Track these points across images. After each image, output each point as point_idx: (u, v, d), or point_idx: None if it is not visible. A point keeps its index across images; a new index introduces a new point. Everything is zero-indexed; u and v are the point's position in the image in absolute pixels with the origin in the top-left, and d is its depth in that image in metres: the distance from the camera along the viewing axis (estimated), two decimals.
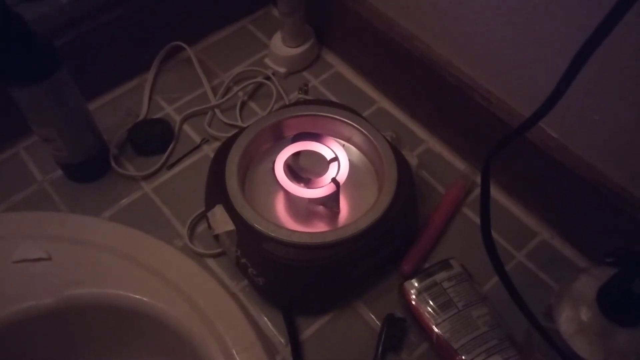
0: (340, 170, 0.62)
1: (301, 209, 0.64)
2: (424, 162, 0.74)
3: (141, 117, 0.78)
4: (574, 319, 0.48)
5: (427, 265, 0.66)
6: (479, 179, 0.69)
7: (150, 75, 0.82)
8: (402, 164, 0.63)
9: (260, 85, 0.82)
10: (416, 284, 0.62)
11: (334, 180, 0.61)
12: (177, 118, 0.78)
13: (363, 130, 0.66)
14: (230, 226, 0.59)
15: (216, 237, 0.65)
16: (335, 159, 0.62)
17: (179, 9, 0.81)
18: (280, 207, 0.64)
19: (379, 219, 0.59)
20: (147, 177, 0.73)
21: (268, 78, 0.82)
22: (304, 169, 0.64)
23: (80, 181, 0.72)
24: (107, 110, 0.79)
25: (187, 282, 0.64)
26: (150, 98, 0.80)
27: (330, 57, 0.85)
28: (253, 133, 0.65)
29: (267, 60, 0.83)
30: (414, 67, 0.72)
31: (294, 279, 0.60)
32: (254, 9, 0.90)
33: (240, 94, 0.80)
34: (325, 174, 0.62)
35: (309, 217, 0.64)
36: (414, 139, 0.77)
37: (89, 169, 0.72)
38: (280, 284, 0.61)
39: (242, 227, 0.59)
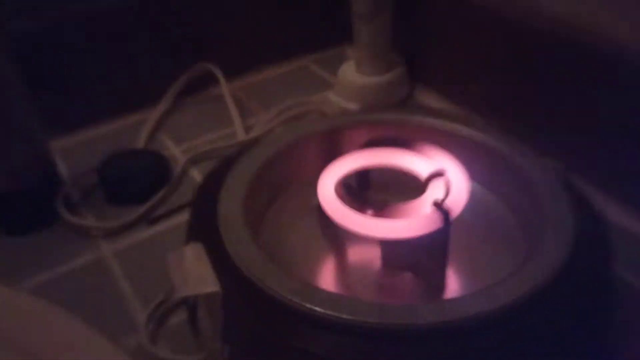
0: (452, 193, 0.30)
1: (366, 277, 0.31)
2: None
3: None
4: None
5: None
6: None
7: (160, 107, 0.55)
8: (583, 207, 0.30)
9: None
10: None
11: (438, 206, 0.28)
12: (183, 159, 0.49)
13: (498, 149, 0.34)
14: (210, 285, 0.27)
15: (196, 326, 0.33)
16: (441, 173, 0.30)
17: (217, 31, 0.57)
18: (326, 273, 0.32)
19: (539, 291, 0.25)
20: (111, 233, 0.43)
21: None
22: (377, 196, 0.32)
23: (8, 230, 0.44)
24: (84, 149, 0.52)
25: None
26: (152, 135, 0.53)
27: (426, 97, 0.57)
28: (284, 143, 0.35)
29: (332, 96, 0.55)
30: (555, 81, 0.41)
31: None
32: (323, 46, 0.64)
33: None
34: (421, 197, 0.30)
35: (382, 294, 0.30)
36: None
37: (19, 207, 0.43)
38: None
39: (238, 287, 0.27)
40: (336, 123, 0.37)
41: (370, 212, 0.30)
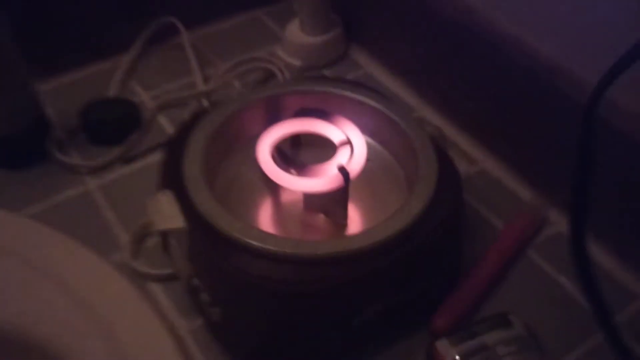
0: (353, 158, 0.41)
1: (293, 216, 0.43)
2: (477, 187, 0.53)
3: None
4: None
5: (473, 322, 0.43)
6: (553, 215, 0.48)
7: (129, 55, 0.64)
8: (446, 166, 0.43)
9: (266, 78, 0.63)
10: (455, 347, 0.40)
11: (341, 169, 0.40)
12: (151, 105, 0.59)
13: (392, 117, 0.46)
14: (177, 222, 0.39)
15: (167, 249, 0.44)
16: (347, 142, 0.42)
17: None
18: (264, 212, 0.43)
19: (405, 230, 0.37)
20: (95, 170, 0.54)
21: (277, 71, 0.63)
22: (303, 158, 0.44)
23: (4, 165, 0.53)
24: (66, 92, 0.61)
25: (114, 313, 0.43)
26: (123, 82, 0.62)
27: (359, 56, 0.67)
28: (235, 107, 0.46)
29: (280, 51, 0.65)
30: (470, 53, 0.52)
31: (265, 311, 0.38)
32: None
33: (238, 84, 0.61)
34: (331, 161, 0.41)
35: (303, 229, 0.42)
36: (464, 159, 0.56)
37: (17, 147, 0.53)
38: (243, 320, 0.40)
39: (197, 224, 0.38)
40: (274, 92, 0.48)
41: (293, 171, 0.42)
